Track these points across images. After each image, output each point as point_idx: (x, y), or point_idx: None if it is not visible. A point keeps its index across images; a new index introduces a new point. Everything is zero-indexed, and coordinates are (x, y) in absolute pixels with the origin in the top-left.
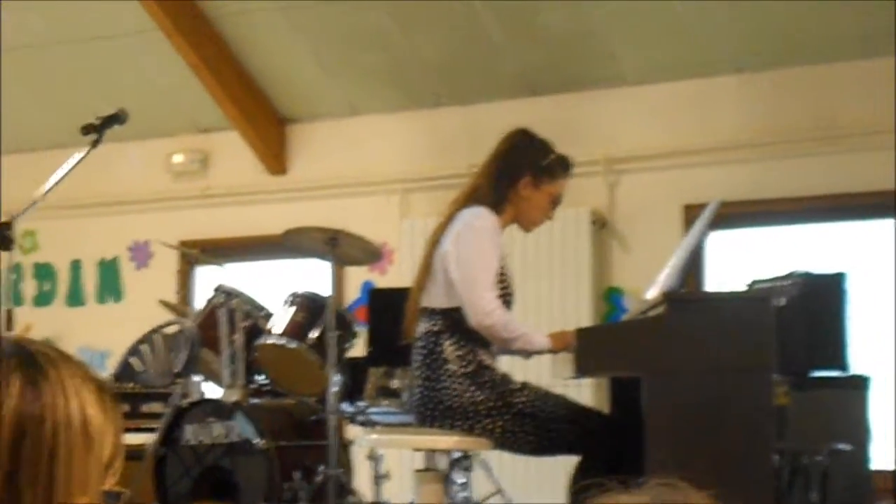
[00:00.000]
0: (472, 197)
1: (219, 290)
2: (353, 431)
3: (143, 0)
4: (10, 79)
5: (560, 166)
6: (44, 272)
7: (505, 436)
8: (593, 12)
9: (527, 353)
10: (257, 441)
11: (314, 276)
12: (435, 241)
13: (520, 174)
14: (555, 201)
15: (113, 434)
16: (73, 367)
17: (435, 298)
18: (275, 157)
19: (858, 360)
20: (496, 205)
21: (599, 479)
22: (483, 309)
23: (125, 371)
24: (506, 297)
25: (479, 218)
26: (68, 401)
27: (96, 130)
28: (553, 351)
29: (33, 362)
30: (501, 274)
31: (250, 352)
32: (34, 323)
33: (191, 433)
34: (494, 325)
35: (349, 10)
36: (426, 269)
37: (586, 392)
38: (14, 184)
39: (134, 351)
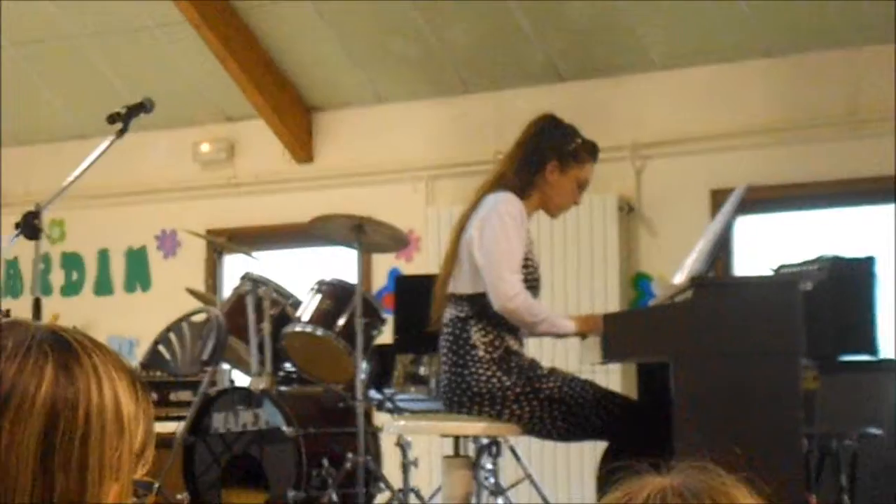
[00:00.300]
0: (498, 183)
1: (246, 278)
2: (381, 418)
3: None
4: (37, 70)
5: (586, 151)
6: (72, 261)
7: (533, 421)
8: None
9: (555, 336)
10: (285, 429)
11: (341, 263)
12: (461, 228)
13: (546, 159)
14: (582, 186)
15: (145, 423)
16: (106, 355)
17: (461, 284)
18: (301, 145)
19: (888, 344)
20: (522, 190)
21: (629, 462)
22: (506, 292)
23: (154, 359)
24: (532, 283)
25: (504, 203)
26: (102, 388)
27: (122, 120)
28: (578, 334)
29: (68, 348)
30: (527, 259)
31: (278, 339)
32: (62, 312)
33: (219, 421)
34: (518, 308)
35: None
36: (452, 255)
37: (614, 377)
38: (41, 174)
39: (162, 339)
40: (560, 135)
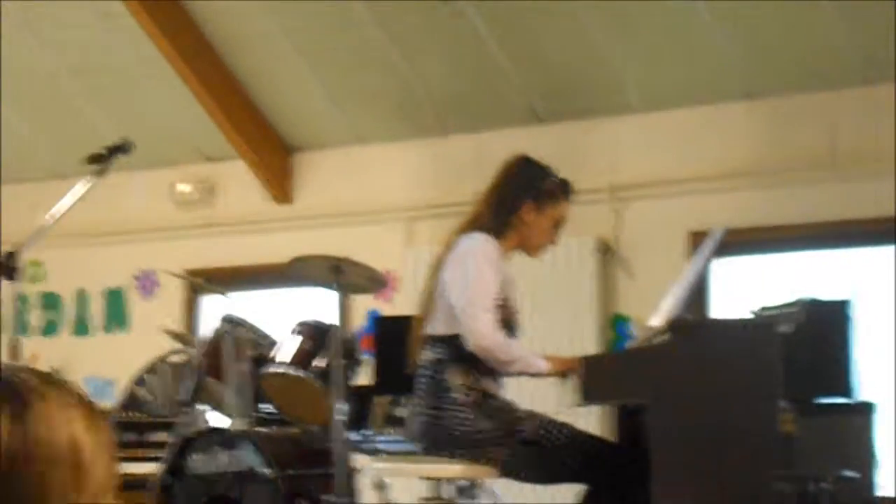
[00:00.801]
0: (474, 224)
1: (224, 319)
2: (359, 460)
3: (147, 29)
4: (14, 108)
5: (561, 189)
6: (50, 302)
7: (510, 464)
8: (599, 40)
9: (529, 376)
10: (264, 470)
11: (320, 304)
12: (436, 269)
13: (521, 199)
14: (558, 225)
15: (106, 455)
16: (61, 393)
17: (437, 326)
18: (280, 185)
19: (864, 386)
20: (498, 231)
21: None
22: (480, 331)
23: (131, 400)
24: (509, 323)
25: (478, 243)
26: (56, 430)
27: (102, 160)
28: (553, 374)
29: (17, 395)
30: (504, 299)
31: (256, 381)
32: (40, 352)
33: (197, 462)
34: (491, 347)
35: (355, 40)
36: (428, 297)
37: (593, 420)
38: (18, 214)
39: (140, 380)
40: (534, 174)
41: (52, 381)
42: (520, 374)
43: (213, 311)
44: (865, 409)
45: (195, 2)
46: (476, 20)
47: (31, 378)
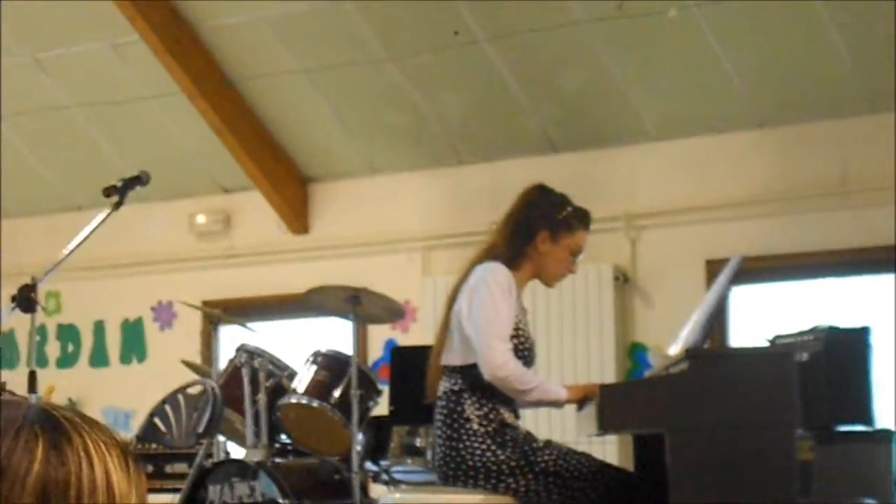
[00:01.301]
0: (489, 254)
1: (241, 349)
2: (377, 490)
3: (165, 63)
4: (33, 141)
5: (577, 219)
6: (67, 333)
7: (529, 495)
8: (614, 69)
9: (547, 405)
10: (281, 501)
11: (337, 334)
12: (452, 299)
13: (536, 229)
14: (575, 254)
15: (138, 497)
16: (98, 431)
17: (454, 356)
18: (297, 216)
19: (883, 414)
20: (513, 260)
21: None
22: (495, 360)
23: (149, 432)
24: (524, 353)
25: (492, 273)
26: (93, 466)
27: (118, 192)
28: (570, 401)
29: (58, 427)
30: (519, 329)
31: (273, 411)
32: (57, 384)
33: (215, 493)
34: (508, 376)
35: (369, 71)
36: (445, 327)
37: (611, 449)
38: (37, 246)
39: (157, 411)
40: (550, 204)
41: (88, 419)
42: (537, 403)
43: (231, 341)
44: (885, 437)
45: (212, 35)
46: (490, 51)
47: (72, 414)
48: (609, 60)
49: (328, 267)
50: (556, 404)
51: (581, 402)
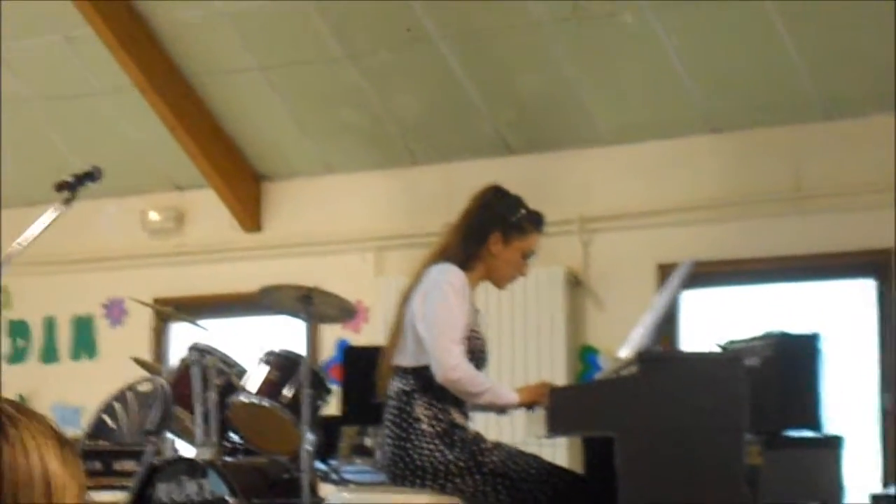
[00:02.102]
0: (442, 255)
1: (192, 347)
2: (326, 490)
3: (119, 58)
4: None
5: (530, 222)
6: (18, 329)
7: (477, 495)
8: (570, 72)
9: (498, 409)
10: (231, 500)
11: (289, 333)
12: (404, 300)
13: (489, 230)
14: (526, 257)
15: (76, 487)
16: (35, 422)
17: (406, 357)
18: (250, 214)
19: (833, 419)
20: (466, 261)
21: None
22: (448, 362)
23: (98, 428)
24: (478, 355)
25: (445, 273)
26: (29, 459)
27: (70, 188)
28: (521, 405)
29: None
30: (472, 331)
31: (224, 410)
32: (7, 380)
33: (163, 491)
34: (460, 378)
35: (326, 70)
36: (397, 327)
37: (560, 451)
38: None
39: (107, 408)
40: (504, 206)
41: (25, 411)
42: (489, 406)
43: (183, 339)
44: (833, 443)
45: (168, 31)
46: (446, 52)
47: (6, 406)
48: (565, 64)
49: (281, 266)
50: (508, 408)
51: (531, 406)
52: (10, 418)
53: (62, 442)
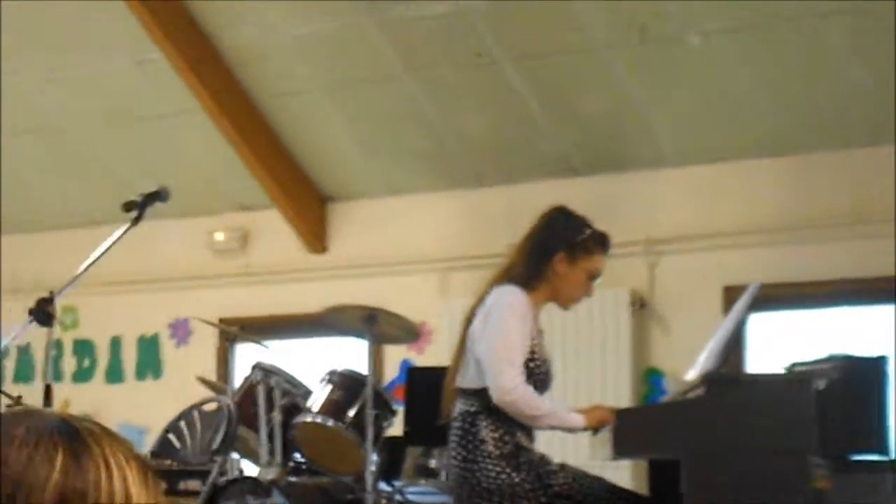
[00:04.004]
0: (506, 275)
1: (257, 367)
2: None
3: (187, 80)
4: (52, 156)
5: (596, 242)
6: (84, 348)
7: None
8: (634, 94)
9: (564, 430)
10: None
11: (353, 354)
12: (468, 321)
13: (554, 251)
14: (593, 277)
15: None
16: (118, 443)
17: (469, 379)
18: (315, 235)
19: None
20: (530, 282)
21: None
22: (504, 385)
23: (163, 448)
24: (540, 377)
25: (506, 295)
26: (112, 478)
27: (138, 207)
28: (587, 429)
29: (77, 437)
30: (534, 352)
31: (288, 430)
32: (73, 399)
33: None
34: (516, 401)
35: (390, 91)
36: (461, 349)
37: (625, 474)
38: (55, 260)
39: (172, 428)
40: (569, 226)
41: (110, 432)
42: (551, 428)
43: (247, 359)
44: None
45: (234, 53)
46: (511, 73)
47: (92, 425)
48: (630, 85)
49: (345, 286)
50: (573, 431)
51: (596, 428)
52: (94, 437)
53: (144, 466)
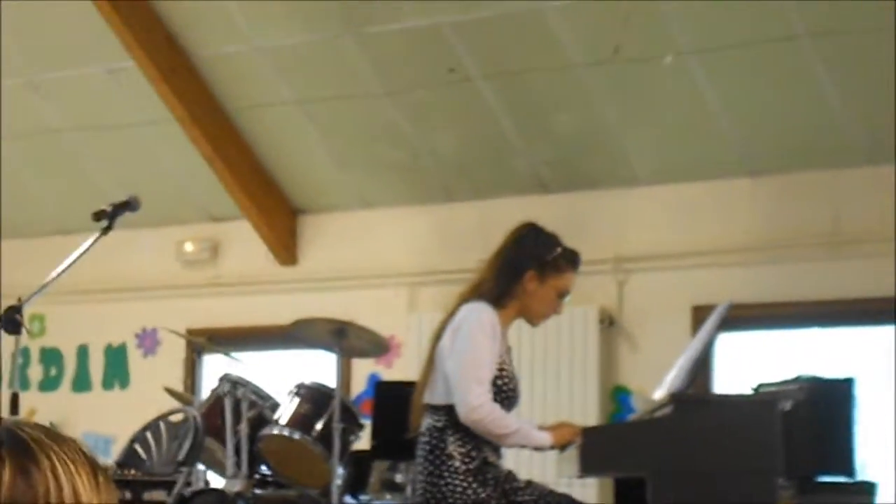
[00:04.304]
0: (476, 292)
1: (224, 379)
2: None
3: (160, 90)
4: (23, 164)
5: (566, 260)
6: (51, 357)
7: None
8: (607, 112)
9: (530, 448)
10: None
11: (321, 367)
12: (437, 337)
13: (524, 268)
14: (562, 295)
15: None
16: (68, 449)
17: (437, 394)
18: (285, 247)
19: (865, 465)
20: (500, 299)
21: None
22: (471, 403)
23: (129, 458)
24: (508, 394)
25: (477, 312)
26: (61, 488)
27: (108, 217)
28: (554, 447)
29: (25, 449)
30: (502, 370)
31: (255, 442)
32: (39, 407)
33: None
34: (483, 419)
35: (363, 105)
36: (429, 364)
37: (591, 491)
38: (23, 268)
39: (138, 438)
40: (540, 244)
41: (58, 437)
42: (518, 446)
43: (215, 371)
44: (866, 489)
45: (208, 64)
46: (485, 89)
47: (38, 432)
48: (603, 104)
49: (315, 299)
50: (540, 449)
51: (563, 446)
52: (41, 445)
53: (95, 469)
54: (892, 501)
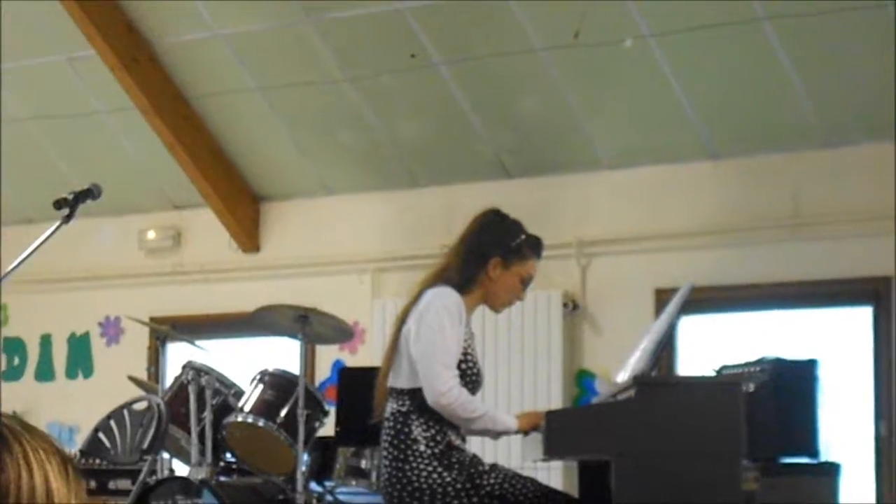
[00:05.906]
0: (440, 277)
1: (188, 366)
2: None
3: (120, 78)
4: None
5: (530, 247)
6: (14, 346)
7: None
8: (569, 97)
9: (493, 434)
10: None
11: (285, 354)
12: (401, 322)
13: (489, 255)
14: (525, 282)
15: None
16: (38, 439)
17: (402, 378)
18: (248, 234)
19: (829, 446)
20: (464, 285)
21: None
22: (439, 388)
23: (93, 447)
24: (472, 378)
25: (441, 297)
26: (32, 474)
27: (69, 205)
28: (520, 431)
29: None
30: (466, 354)
31: (219, 429)
32: (2, 397)
33: None
34: (451, 403)
35: (326, 91)
36: (393, 349)
37: (556, 474)
38: None
39: (102, 427)
40: (504, 230)
41: (29, 427)
42: (484, 431)
43: (179, 359)
44: (830, 470)
45: (169, 52)
46: (447, 75)
47: (11, 422)
48: (565, 89)
49: (278, 286)
50: (506, 433)
51: (527, 430)
52: (14, 434)
53: (65, 459)
54: (873, 479)
